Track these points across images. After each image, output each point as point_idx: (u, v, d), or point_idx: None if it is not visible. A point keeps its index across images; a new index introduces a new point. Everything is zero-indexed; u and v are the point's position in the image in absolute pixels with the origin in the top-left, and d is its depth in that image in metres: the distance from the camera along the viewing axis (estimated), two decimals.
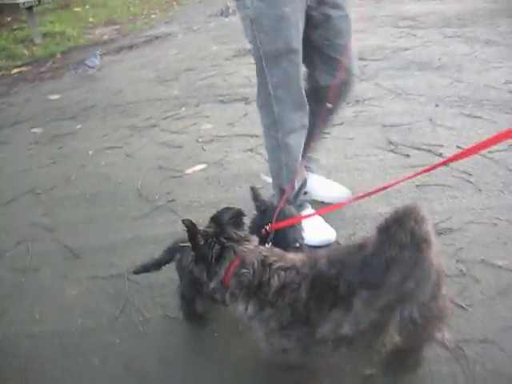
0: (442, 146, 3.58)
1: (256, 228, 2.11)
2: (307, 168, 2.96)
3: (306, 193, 2.84)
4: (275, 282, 1.69)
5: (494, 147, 3.51)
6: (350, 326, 1.67)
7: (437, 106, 4.31)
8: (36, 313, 2.52)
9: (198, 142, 4.24)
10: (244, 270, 1.72)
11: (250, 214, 2.93)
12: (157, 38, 8.06)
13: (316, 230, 2.64)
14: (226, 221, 1.79)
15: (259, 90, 2.56)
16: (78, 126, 4.94)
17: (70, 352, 2.26)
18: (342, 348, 1.78)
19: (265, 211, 2.17)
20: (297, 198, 2.67)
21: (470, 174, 3.26)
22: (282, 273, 1.70)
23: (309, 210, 2.76)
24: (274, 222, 2.08)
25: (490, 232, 2.74)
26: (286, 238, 2.08)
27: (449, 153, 3.41)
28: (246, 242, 1.79)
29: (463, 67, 5.07)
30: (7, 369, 2.21)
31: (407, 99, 4.53)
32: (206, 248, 1.75)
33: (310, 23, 2.45)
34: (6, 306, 2.59)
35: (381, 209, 2.99)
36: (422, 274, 1.65)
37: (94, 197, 3.56)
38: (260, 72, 2.49)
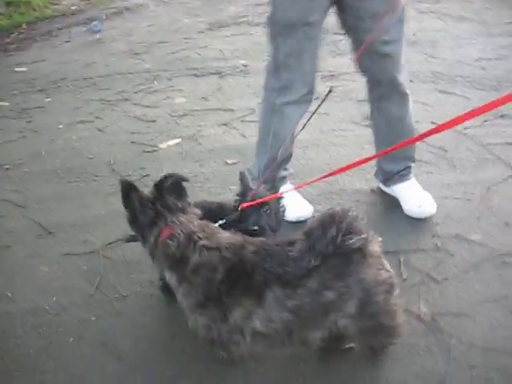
0: (416, 121, 3.56)
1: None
2: (402, 175, 2.82)
3: (286, 169, 2.80)
4: (194, 258, 1.70)
5: (469, 123, 3.55)
6: (262, 321, 1.67)
7: (411, 81, 4.29)
8: (8, 291, 2.45)
9: (171, 116, 4.17)
10: (169, 241, 1.73)
11: (225, 189, 2.95)
12: (127, 9, 7.84)
13: (293, 206, 2.63)
14: (165, 188, 1.78)
15: (271, 54, 2.52)
16: (47, 100, 4.79)
17: (45, 330, 2.21)
18: (259, 342, 1.77)
19: (244, 194, 2.13)
20: (276, 170, 2.64)
21: (446, 150, 3.30)
22: (204, 251, 1.70)
23: (287, 186, 2.73)
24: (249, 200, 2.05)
25: (464, 207, 2.79)
26: (246, 220, 2.05)
27: (423, 128, 3.39)
28: (181, 213, 1.78)
29: (437, 43, 5.09)
30: None
31: None
32: (140, 212, 1.78)
33: (344, 5, 2.38)
34: None
35: (357, 184, 3.01)
36: (345, 288, 1.61)
37: (65, 172, 3.47)
38: (273, 38, 2.45)
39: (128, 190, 1.79)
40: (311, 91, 2.56)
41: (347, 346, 1.97)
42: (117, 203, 2.96)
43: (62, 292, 2.42)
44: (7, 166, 3.61)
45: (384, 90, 2.58)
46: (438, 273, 2.36)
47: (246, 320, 1.68)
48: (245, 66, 5.15)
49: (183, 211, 1.79)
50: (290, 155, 2.78)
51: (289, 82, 2.50)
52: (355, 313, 1.64)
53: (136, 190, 1.80)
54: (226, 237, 1.77)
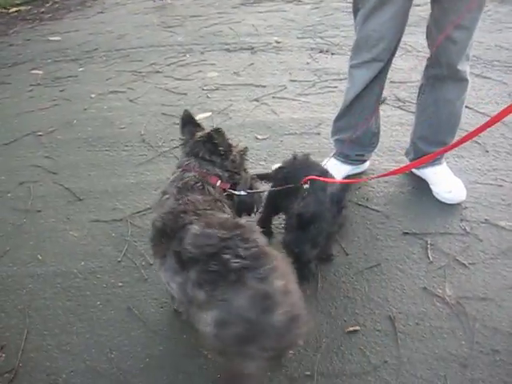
0: None
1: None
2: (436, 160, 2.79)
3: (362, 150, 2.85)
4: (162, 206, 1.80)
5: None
6: (165, 279, 1.69)
7: None
8: (38, 254, 2.51)
9: (202, 89, 4.17)
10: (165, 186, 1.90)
11: (255, 164, 2.95)
12: None
13: None
14: (205, 139, 1.92)
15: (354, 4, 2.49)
16: (80, 69, 4.85)
17: (73, 293, 2.27)
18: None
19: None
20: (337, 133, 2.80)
21: (479, 135, 3.22)
22: (169, 199, 1.79)
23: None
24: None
25: (495, 193, 2.74)
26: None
27: None
28: (197, 164, 1.90)
29: None
30: (10, 306, 2.22)
31: (417, 56, 4.45)
32: (185, 142, 2.01)
33: None
34: (7, 246, 2.58)
35: (386, 165, 2.99)
36: (211, 297, 1.48)
37: (96, 141, 3.51)
38: None
39: (186, 121, 2.02)
40: (382, 57, 2.48)
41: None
42: (146, 173, 3.06)
43: (90, 257, 2.47)
44: (40, 133, 3.67)
45: (441, 72, 2.49)
46: (466, 257, 2.34)
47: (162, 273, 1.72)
48: (278, 42, 5.11)
49: (200, 163, 1.91)
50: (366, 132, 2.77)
51: (365, 37, 2.44)
52: (213, 327, 1.50)
53: (193, 124, 2.01)
54: (192, 197, 1.78)
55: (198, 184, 1.84)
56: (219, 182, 1.91)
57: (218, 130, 1.89)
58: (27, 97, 4.35)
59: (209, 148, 1.91)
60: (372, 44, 2.43)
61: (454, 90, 2.55)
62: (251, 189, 2.07)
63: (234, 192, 1.96)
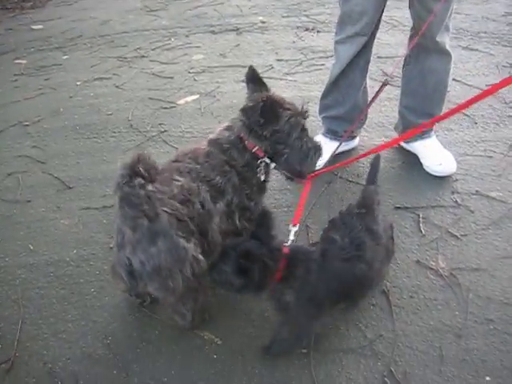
0: None
1: None
2: (422, 132, 2.76)
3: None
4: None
5: (491, 81, 3.48)
6: None
7: None
8: (30, 244, 2.49)
9: (189, 72, 4.14)
10: None
11: None
12: None
13: None
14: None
15: None
16: (64, 57, 4.77)
17: (67, 281, 2.26)
18: None
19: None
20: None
21: (467, 107, 3.23)
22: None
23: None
24: None
25: (485, 164, 2.75)
26: None
27: None
28: (235, 128, 1.93)
29: None
30: (3, 296, 2.20)
31: (403, 31, 4.43)
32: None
33: None
34: None
35: (376, 140, 2.99)
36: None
37: (83, 128, 3.48)
38: None
39: (248, 79, 2.01)
40: (365, 32, 2.50)
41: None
42: None
43: (82, 244, 2.46)
44: (26, 123, 3.63)
45: (425, 42, 2.49)
46: (458, 229, 2.36)
47: None
48: (263, 22, 5.06)
49: (241, 126, 1.91)
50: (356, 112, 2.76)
51: (347, 13, 2.47)
52: None
53: (256, 82, 1.98)
54: (213, 150, 1.91)
55: (226, 146, 1.90)
56: (256, 147, 1.90)
57: (259, 99, 1.83)
58: (12, 87, 4.28)
59: (251, 114, 1.85)
60: (355, 18, 2.44)
61: (438, 62, 2.58)
62: (308, 159, 1.99)
63: (266, 161, 1.94)
